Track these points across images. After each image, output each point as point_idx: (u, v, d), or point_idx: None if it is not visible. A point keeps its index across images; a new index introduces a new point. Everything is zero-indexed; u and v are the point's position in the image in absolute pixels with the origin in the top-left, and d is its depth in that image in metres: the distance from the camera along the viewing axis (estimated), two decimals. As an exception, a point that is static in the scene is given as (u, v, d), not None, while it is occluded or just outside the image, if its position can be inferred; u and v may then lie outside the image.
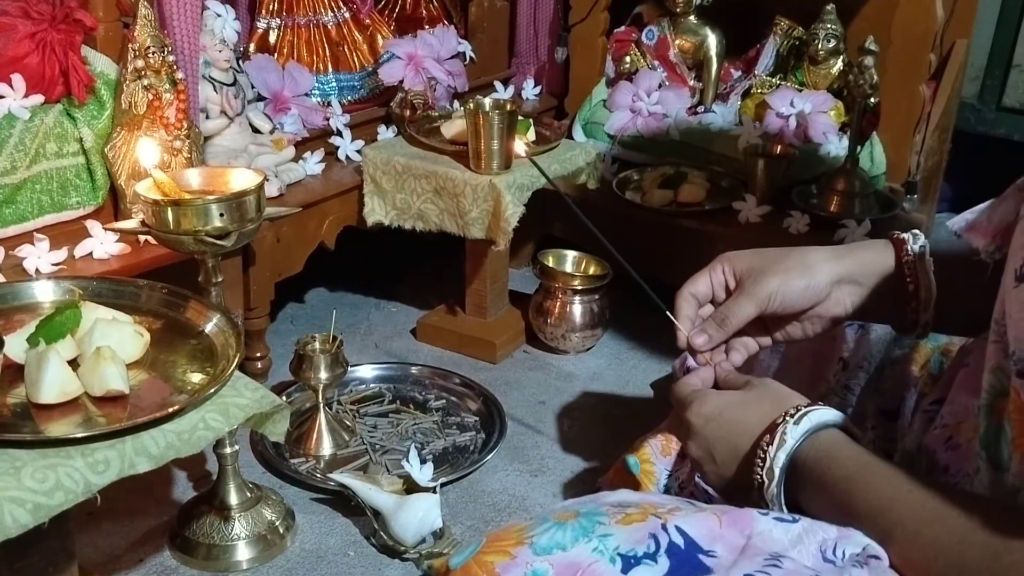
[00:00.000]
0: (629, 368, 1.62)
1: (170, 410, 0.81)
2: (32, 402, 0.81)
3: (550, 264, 1.65)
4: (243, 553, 1.14)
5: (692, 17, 1.90)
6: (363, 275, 1.89)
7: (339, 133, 1.61)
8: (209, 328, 0.96)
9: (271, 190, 1.41)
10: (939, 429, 0.84)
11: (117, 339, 0.87)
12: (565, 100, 2.00)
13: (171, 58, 1.23)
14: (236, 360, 0.89)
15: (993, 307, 0.72)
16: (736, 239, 1.61)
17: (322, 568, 1.14)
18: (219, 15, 1.42)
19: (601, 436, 1.41)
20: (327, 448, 1.34)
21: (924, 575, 0.66)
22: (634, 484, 1.08)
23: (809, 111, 1.73)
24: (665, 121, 1.84)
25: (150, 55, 1.21)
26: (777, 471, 0.76)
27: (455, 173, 1.48)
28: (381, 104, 1.72)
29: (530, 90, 2.00)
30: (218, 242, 1.01)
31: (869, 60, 1.58)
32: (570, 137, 1.84)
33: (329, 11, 1.71)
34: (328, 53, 1.70)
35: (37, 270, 1.16)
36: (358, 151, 1.60)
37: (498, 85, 1.90)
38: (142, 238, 1.23)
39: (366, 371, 1.54)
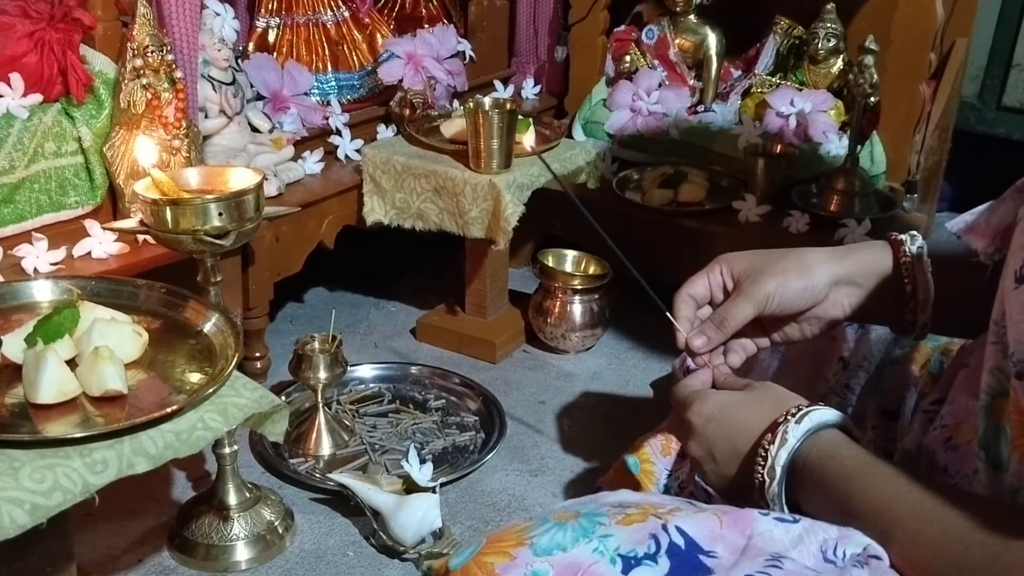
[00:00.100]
0: (629, 368, 1.61)
1: (168, 410, 0.81)
2: (30, 402, 0.81)
3: (550, 264, 1.64)
4: (242, 553, 1.13)
5: (692, 16, 1.89)
6: (362, 275, 1.89)
7: (338, 132, 1.61)
8: (208, 328, 0.95)
9: (270, 189, 1.40)
10: (939, 429, 0.84)
11: (115, 339, 0.87)
12: (565, 99, 2.00)
13: (170, 57, 1.23)
14: (235, 360, 0.89)
15: (992, 308, 0.71)
16: (736, 238, 1.61)
17: (321, 568, 1.14)
18: (218, 14, 1.41)
19: (601, 436, 1.40)
20: (326, 448, 1.34)
21: (924, 574, 0.66)
22: (634, 484, 1.08)
23: (809, 110, 1.73)
24: (665, 120, 1.84)
25: (149, 54, 1.21)
26: (779, 470, 0.76)
27: (455, 172, 1.48)
28: (380, 103, 1.72)
29: (530, 89, 1.99)
30: (217, 241, 1.01)
31: (869, 59, 1.58)
32: (570, 136, 1.84)
33: (328, 10, 1.71)
34: (327, 52, 1.70)
35: (35, 269, 1.16)
36: (357, 150, 1.60)
37: (498, 84, 1.90)
38: (141, 238, 1.22)
39: (365, 371, 1.54)
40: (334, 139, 1.61)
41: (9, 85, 1.16)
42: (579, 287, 1.60)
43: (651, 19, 1.98)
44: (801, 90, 1.79)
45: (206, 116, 1.40)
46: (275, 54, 1.65)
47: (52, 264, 1.18)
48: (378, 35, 1.74)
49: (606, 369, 1.61)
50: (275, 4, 1.68)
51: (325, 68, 1.69)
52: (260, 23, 1.68)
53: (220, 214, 1.00)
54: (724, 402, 0.83)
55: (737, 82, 1.93)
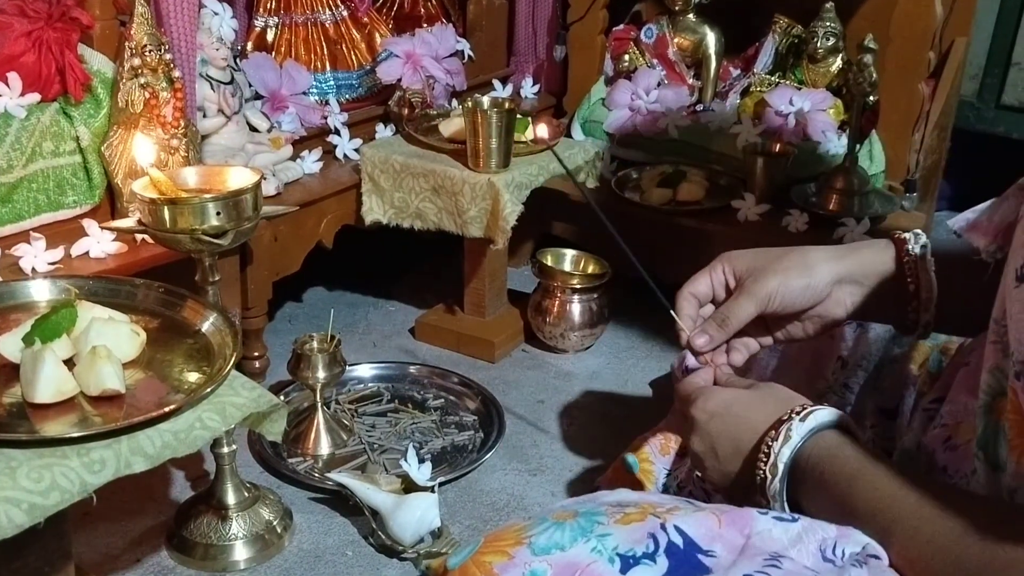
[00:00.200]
0: (628, 367, 1.61)
1: (166, 409, 0.81)
2: (28, 402, 0.81)
3: (549, 263, 1.64)
4: (241, 553, 1.13)
5: (691, 15, 1.89)
6: (361, 274, 1.89)
7: (337, 132, 1.61)
8: (206, 327, 0.95)
9: (268, 189, 1.40)
10: (938, 429, 0.84)
11: (113, 338, 0.86)
12: (564, 98, 2.00)
13: (168, 56, 1.23)
14: (233, 359, 0.89)
15: (993, 307, 0.71)
16: (735, 238, 1.61)
17: (320, 568, 1.14)
18: (216, 13, 1.41)
19: (600, 435, 1.40)
20: (325, 447, 1.34)
21: (923, 573, 0.66)
22: (633, 483, 1.08)
23: (808, 109, 1.73)
24: (664, 119, 1.84)
25: (147, 53, 1.21)
26: (781, 466, 0.76)
27: (453, 172, 1.48)
28: (379, 103, 1.72)
29: (529, 88, 1.99)
30: (215, 241, 1.01)
31: (868, 58, 1.58)
32: (569, 135, 1.83)
33: (327, 9, 1.70)
34: (326, 51, 1.70)
35: (33, 269, 1.16)
36: (356, 150, 1.60)
37: (496, 84, 1.90)
38: (139, 237, 1.22)
39: (364, 370, 1.54)
40: (332, 138, 1.60)
41: (7, 84, 1.16)
42: (578, 286, 1.60)
43: (650, 18, 1.97)
44: (800, 89, 1.79)
45: (204, 115, 1.40)
46: (273, 53, 1.65)
47: (50, 264, 1.17)
48: (377, 34, 1.74)
49: (605, 368, 1.61)
50: (273, 3, 1.68)
51: (324, 67, 1.69)
52: (258, 22, 1.68)
53: (218, 213, 1.00)
54: (729, 399, 0.83)
55: (736, 81, 1.93)
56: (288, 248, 1.47)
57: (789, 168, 1.70)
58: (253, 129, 1.49)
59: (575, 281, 1.61)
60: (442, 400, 1.48)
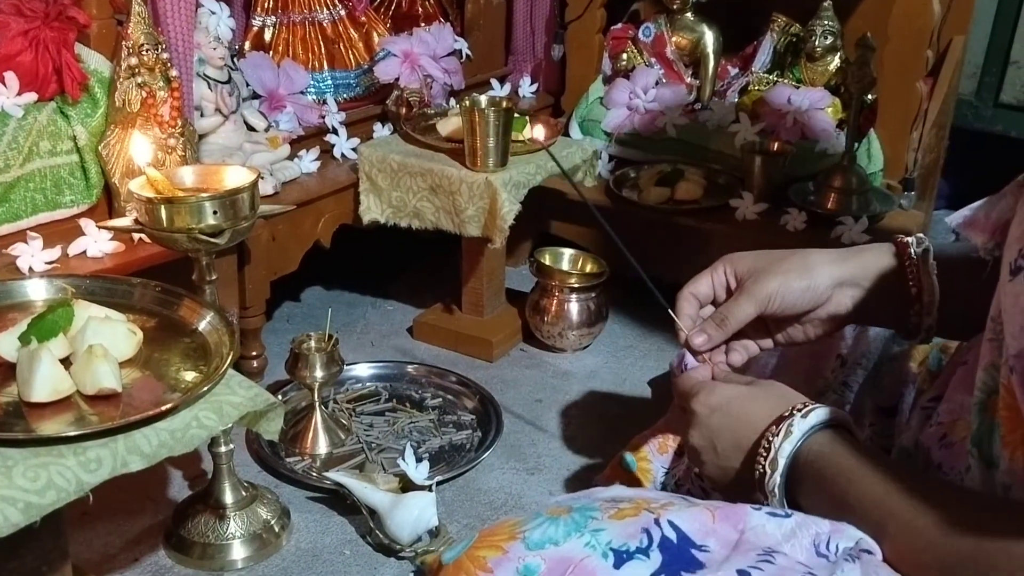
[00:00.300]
0: (626, 366, 1.61)
1: (163, 408, 0.81)
2: (24, 401, 0.81)
3: (547, 262, 1.64)
4: (238, 552, 1.13)
5: (689, 14, 1.89)
6: (359, 273, 1.89)
7: (335, 131, 1.61)
8: (203, 326, 0.95)
9: (266, 188, 1.40)
10: (934, 427, 0.84)
11: (110, 337, 0.86)
12: (562, 97, 2.00)
13: (165, 56, 1.23)
14: (230, 358, 0.88)
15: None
16: (733, 237, 1.61)
17: (318, 567, 1.14)
18: (213, 12, 1.42)
19: (598, 434, 1.40)
20: (323, 447, 1.34)
21: (916, 566, 0.66)
22: (631, 482, 1.08)
23: (806, 108, 1.73)
24: (662, 118, 1.84)
25: (144, 52, 1.21)
26: (782, 461, 0.76)
27: (451, 171, 1.48)
28: (377, 102, 1.72)
29: (527, 88, 1.99)
30: (212, 240, 1.01)
31: (866, 57, 1.58)
32: (567, 135, 1.84)
33: (325, 8, 1.70)
34: (324, 51, 1.70)
35: (30, 268, 1.16)
36: (354, 149, 1.60)
37: (494, 83, 1.90)
38: (136, 236, 1.22)
39: (362, 370, 1.54)
40: (330, 138, 1.60)
41: (4, 84, 1.16)
42: (576, 285, 1.60)
43: (648, 17, 1.97)
44: (798, 88, 1.78)
45: (202, 115, 1.40)
46: (271, 53, 1.65)
47: (47, 263, 1.17)
48: (374, 33, 1.74)
49: (603, 367, 1.61)
50: (271, 3, 1.68)
51: (321, 67, 1.69)
52: (256, 22, 1.68)
53: (215, 212, 1.00)
54: (731, 394, 0.83)
55: (734, 80, 1.93)
56: (286, 247, 1.47)
57: (787, 167, 1.70)
58: (251, 128, 1.49)
59: (573, 280, 1.61)
60: (440, 399, 1.48)
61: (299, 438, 1.34)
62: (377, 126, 1.67)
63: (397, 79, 1.66)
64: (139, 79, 1.21)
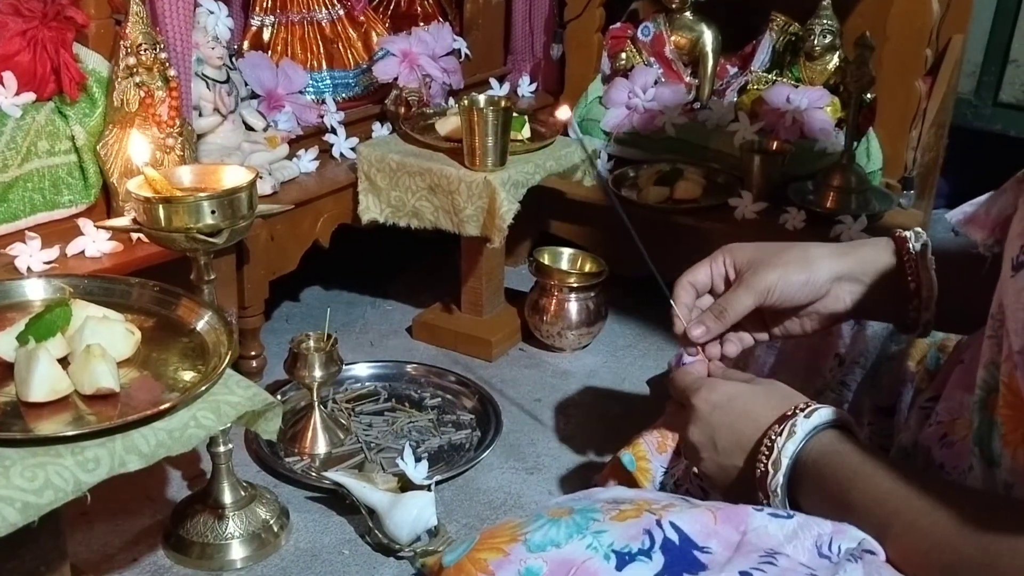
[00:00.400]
0: (625, 365, 1.61)
1: (161, 408, 0.80)
2: (21, 400, 0.81)
3: (546, 262, 1.64)
4: (237, 552, 1.13)
5: (688, 13, 1.89)
6: (358, 273, 1.88)
7: (333, 131, 1.60)
8: (201, 326, 0.95)
9: (265, 188, 1.40)
10: (934, 426, 0.84)
11: (108, 337, 0.86)
12: (561, 97, 1.99)
13: (163, 55, 1.23)
14: (228, 358, 0.88)
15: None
16: (732, 236, 1.59)
17: (317, 567, 1.13)
18: (212, 12, 1.41)
19: (597, 433, 1.40)
20: (322, 447, 1.33)
21: (919, 567, 0.66)
22: (630, 481, 1.08)
23: (805, 107, 1.72)
24: (661, 118, 1.84)
25: (142, 52, 1.21)
26: (784, 461, 0.76)
27: (450, 170, 1.48)
28: (376, 101, 1.71)
29: (526, 87, 1.99)
30: (210, 239, 1.01)
31: (865, 55, 1.58)
32: (565, 134, 1.83)
33: (323, 8, 1.70)
34: (322, 50, 1.69)
35: (29, 268, 1.16)
36: (352, 148, 1.59)
37: (493, 82, 1.90)
38: (135, 236, 1.22)
39: (361, 369, 1.53)
40: (329, 137, 1.60)
41: (2, 84, 1.16)
42: (575, 285, 1.60)
43: (647, 16, 1.97)
44: (797, 87, 1.78)
45: (200, 114, 1.40)
46: (270, 52, 1.65)
47: (45, 263, 1.17)
48: (373, 33, 1.74)
49: (602, 367, 1.61)
50: (269, 2, 1.67)
51: (320, 66, 1.68)
52: (255, 21, 1.67)
53: (213, 212, 1.00)
54: (732, 392, 0.83)
55: (733, 79, 1.92)
56: (285, 247, 1.47)
57: (786, 166, 1.70)
58: (249, 128, 1.49)
59: (572, 280, 1.61)
60: (439, 399, 1.48)
61: (298, 438, 1.34)
62: (376, 126, 1.67)
63: (396, 79, 1.66)
64: (137, 79, 1.21)
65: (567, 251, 1.69)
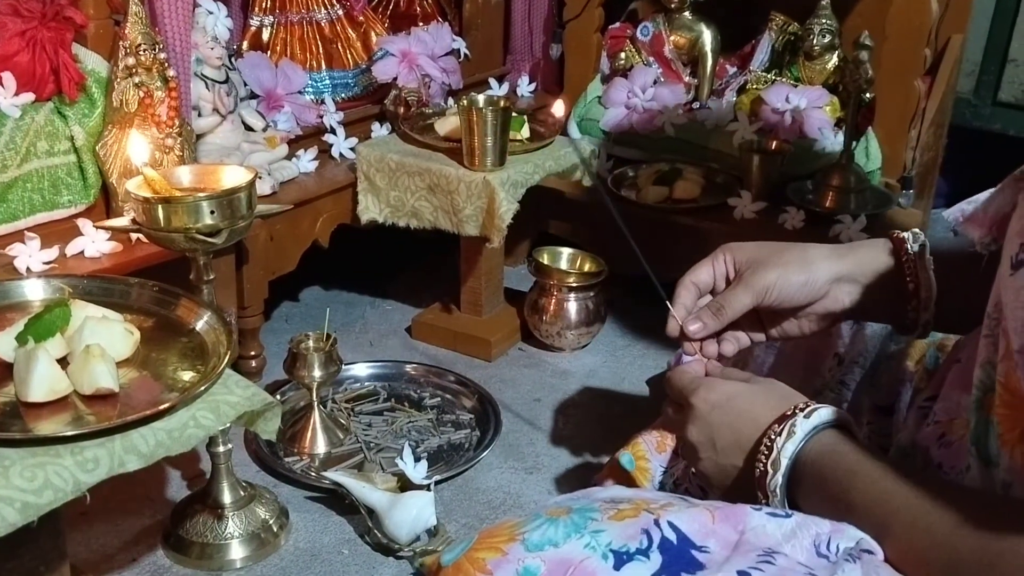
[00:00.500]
0: (625, 365, 1.61)
1: (160, 408, 0.81)
2: (21, 400, 0.81)
3: (545, 261, 1.64)
4: (237, 552, 1.13)
5: (687, 13, 1.89)
6: (357, 273, 1.88)
7: (333, 131, 1.61)
8: (200, 326, 0.95)
9: (264, 188, 1.40)
10: (932, 426, 0.84)
11: (107, 337, 0.86)
12: (560, 97, 1.99)
13: (162, 55, 1.23)
14: (227, 358, 0.88)
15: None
16: (731, 235, 1.58)
17: (316, 566, 1.14)
18: (211, 12, 1.41)
19: (596, 433, 1.40)
20: (321, 446, 1.33)
21: (918, 566, 0.66)
22: (629, 481, 1.08)
23: (804, 107, 1.72)
24: (660, 117, 1.84)
25: (141, 52, 1.21)
26: (784, 461, 0.76)
27: (449, 170, 1.48)
28: (375, 101, 1.72)
29: (525, 87, 1.99)
30: (209, 239, 1.01)
31: (864, 55, 1.58)
32: (565, 134, 1.83)
33: (322, 8, 1.70)
34: (321, 50, 1.69)
35: (28, 269, 1.16)
36: (352, 149, 1.59)
37: (493, 82, 1.90)
38: (134, 236, 1.22)
39: (360, 369, 1.53)
40: (328, 137, 1.60)
41: (1, 84, 1.16)
42: (574, 285, 1.60)
43: (646, 16, 1.97)
44: (796, 86, 1.78)
45: (199, 114, 1.40)
46: (269, 52, 1.65)
47: (45, 263, 1.17)
48: (372, 33, 1.74)
49: (602, 367, 1.61)
50: (269, 2, 1.67)
51: (319, 66, 1.69)
52: (254, 21, 1.68)
53: (212, 212, 1.00)
54: (731, 391, 0.83)
55: (732, 79, 1.92)
56: (284, 247, 1.47)
57: (785, 165, 1.70)
58: (248, 128, 1.49)
59: (571, 279, 1.61)
60: (439, 399, 1.48)
61: (297, 438, 1.34)
62: (375, 126, 1.67)
63: (395, 79, 1.66)
64: (136, 79, 1.21)
65: (566, 251, 1.69)
